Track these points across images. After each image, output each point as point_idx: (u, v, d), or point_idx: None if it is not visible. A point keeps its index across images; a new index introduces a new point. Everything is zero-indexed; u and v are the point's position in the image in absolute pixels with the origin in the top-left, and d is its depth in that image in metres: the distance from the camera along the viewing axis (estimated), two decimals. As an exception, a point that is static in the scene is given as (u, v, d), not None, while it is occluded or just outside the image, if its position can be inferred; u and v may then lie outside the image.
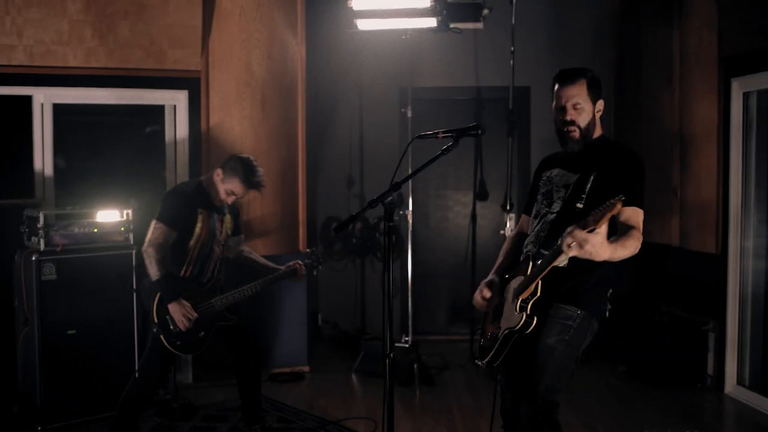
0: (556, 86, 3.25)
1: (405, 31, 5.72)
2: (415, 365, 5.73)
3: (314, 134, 6.65)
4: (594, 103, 3.22)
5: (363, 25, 5.48)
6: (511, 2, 5.76)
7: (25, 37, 5.26)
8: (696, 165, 5.72)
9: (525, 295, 3.07)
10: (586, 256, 2.74)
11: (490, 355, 3.24)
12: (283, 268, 4.49)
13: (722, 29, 5.35)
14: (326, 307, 7.28)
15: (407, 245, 6.02)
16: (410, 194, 6.17)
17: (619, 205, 2.62)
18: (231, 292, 4.34)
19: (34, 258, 4.69)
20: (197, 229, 4.24)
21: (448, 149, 2.80)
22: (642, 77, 6.41)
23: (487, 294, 3.36)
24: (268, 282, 4.43)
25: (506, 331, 3.15)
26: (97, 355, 4.89)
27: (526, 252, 3.28)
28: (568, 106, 3.19)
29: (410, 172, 5.92)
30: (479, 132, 2.75)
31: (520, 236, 3.54)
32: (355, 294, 7.27)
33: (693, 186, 5.77)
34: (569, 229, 2.71)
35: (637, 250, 2.94)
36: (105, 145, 5.96)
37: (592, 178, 3.11)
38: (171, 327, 4.15)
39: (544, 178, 3.39)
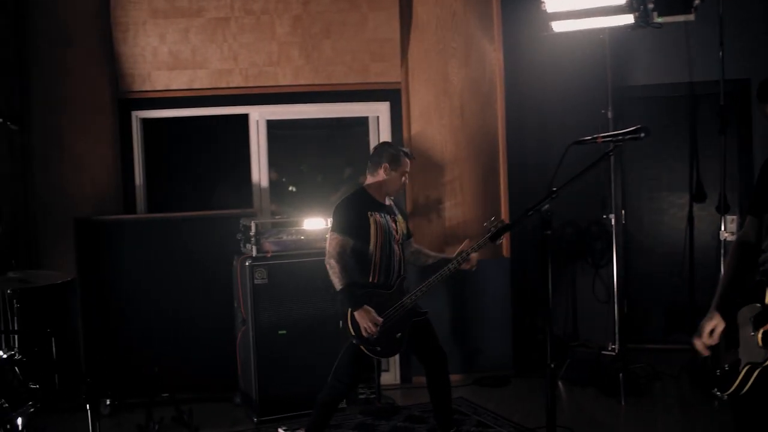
0: None
1: (602, 30, 5.52)
2: (621, 374, 5.50)
3: (517, 139, 6.58)
4: None
5: (558, 26, 5.36)
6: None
7: (240, 61, 5.74)
8: None
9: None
10: None
11: (733, 388, 2.88)
12: (453, 256, 4.48)
13: None
14: (537, 311, 7.16)
15: (613, 250, 5.80)
16: (613, 198, 5.92)
17: None
18: (419, 287, 4.39)
19: (247, 263, 5.10)
20: (372, 231, 4.36)
21: (608, 154, 2.70)
22: None
23: (710, 341, 2.95)
24: (446, 273, 4.42)
25: (748, 366, 2.81)
26: (306, 354, 5.20)
27: (762, 270, 2.89)
28: None
29: (613, 177, 5.79)
30: (642, 135, 2.60)
31: (744, 246, 3.08)
32: (566, 298, 7.11)
33: None
34: None
35: None
36: (312, 156, 6.34)
37: None
38: (366, 335, 4.30)
39: None
